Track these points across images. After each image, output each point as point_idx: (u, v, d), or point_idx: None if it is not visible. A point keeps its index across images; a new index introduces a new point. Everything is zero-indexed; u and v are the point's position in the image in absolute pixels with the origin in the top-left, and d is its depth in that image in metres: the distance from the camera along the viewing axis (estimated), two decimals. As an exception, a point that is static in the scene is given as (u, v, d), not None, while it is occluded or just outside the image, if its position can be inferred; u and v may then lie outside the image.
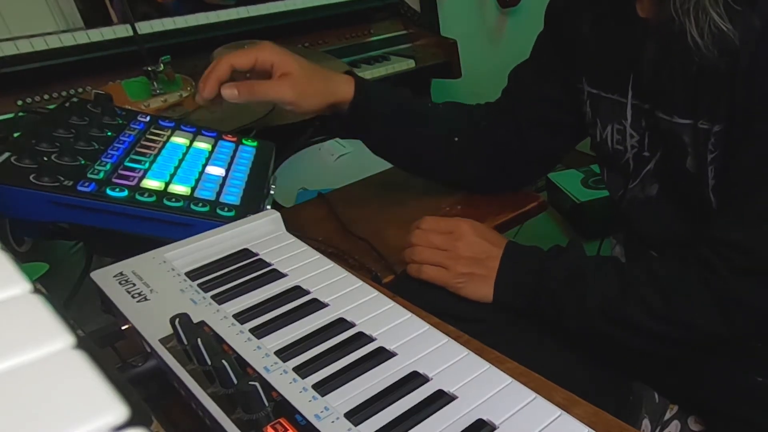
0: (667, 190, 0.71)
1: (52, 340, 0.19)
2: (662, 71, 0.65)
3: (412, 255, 0.72)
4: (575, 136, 0.89)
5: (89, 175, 0.61)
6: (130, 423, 0.17)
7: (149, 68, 0.97)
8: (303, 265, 0.53)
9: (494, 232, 0.74)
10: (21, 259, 0.62)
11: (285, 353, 0.42)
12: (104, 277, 0.50)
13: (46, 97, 1.20)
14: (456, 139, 0.86)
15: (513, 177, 0.92)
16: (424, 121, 0.85)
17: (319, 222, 0.90)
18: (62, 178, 0.58)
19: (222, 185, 0.67)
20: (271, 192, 0.73)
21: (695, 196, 0.67)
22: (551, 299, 0.66)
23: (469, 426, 0.36)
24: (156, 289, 0.48)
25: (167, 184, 0.64)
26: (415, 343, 0.43)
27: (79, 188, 0.58)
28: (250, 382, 0.36)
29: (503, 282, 0.68)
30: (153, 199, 0.60)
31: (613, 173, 0.79)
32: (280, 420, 0.36)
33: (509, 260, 0.69)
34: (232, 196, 0.66)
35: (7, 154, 0.59)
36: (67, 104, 0.75)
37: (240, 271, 0.52)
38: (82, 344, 0.19)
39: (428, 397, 0.38)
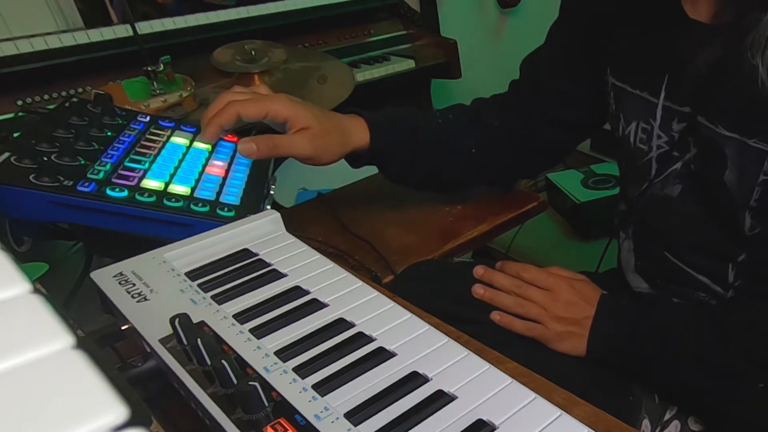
0: (690, 194, 0.68)
1: (51, 340, 0.19)
2: (718, 79, 0.61)
3: (509, 305, 0.72)
4: (591, 130, 0.88)
5: (89, 175, 0.61)
6: (130, 423, 0.17)
7: (149, 68, 0.98)
8: (303, 265, 0.53)
9: (590, 286, 0.73)
10: (21, 259, 0.62)
11: (285, 353, 0.42)
12: (104, 277, 0.50)
13: (46, 97, 1.20)
14: (473, 151, 0.85)
15: (526, 170, 0.93)
16: (440, 144, 0.84)
17: (319, 222, 0.90)
18: (62, 178, 0.58)
19: (222, 185, 0.67)
20: (271, 192, 0.73)
21: (723, 207, 0.65)
22: (644, 361, 0.67)
23: (469, 426, 0.36)
24: (156, 289, 0.48)
25: (167, 184, 0.64)
26: (415, 343, 0.43)
27: (79, 188, 0.58)
28: (250, 382, 0.36)
29: (596, 341, 0.69)
30: (153, 199, 0.60)
31: (631, 169, 0.76)
32: (280, 420, 0.36)
33: (601, 320, 0.69)
34: (232, 196, 0.66)
35: (7, 154, 0.59)
36: (67, 104, 0.75)
37: (240, 271, 0.52)
38: (82, 344, 0.19)
39: (428, 397, 0.38)
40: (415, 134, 0.83)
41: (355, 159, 0.82)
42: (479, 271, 0.75)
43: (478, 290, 0.74)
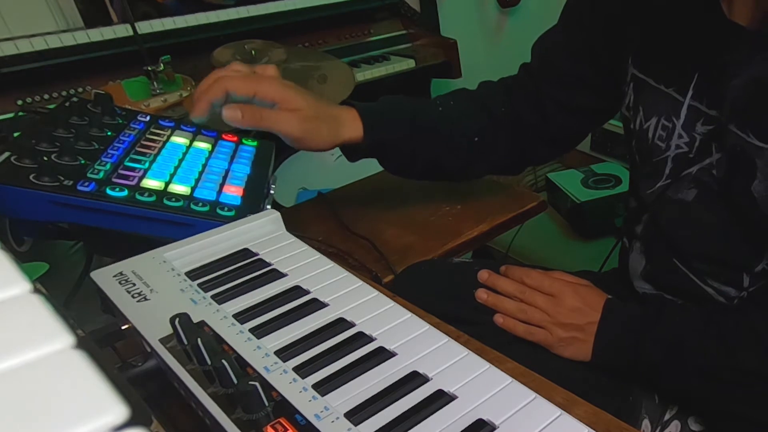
0: (707, 200, 0.66)
1: (52, 340, 0.19)
2: (757, 92, 0.59)
3: (512, 310, 0.72)
4: (603, 117, 0.86)
5: (89, 175, 0.61)
6: (130, 423, 0.17)
7: (149, 68, 0.98)
8: (303, 265, 0.53)
9: (594, 291, 0.72)
10: (21, 259, 0.62)
11: (285, 353, 0.42)
12: (104, 277, 0.50)
13: (46, 97, 1.20)
14: (476, 139, 0.82)
15: (532, 158, 0.90)
16: (440, 133, 0.81)
17: (319, 222, 0.90)
18: (62, 178, 0.58)
19: (222, 185, 0.67)
20: (271, 192, 0.73)
21: (749, 217, 0.62)
22: (650, 367, 0.66)
23: (469, 426, 0.36)
24: (156, 289, 0.48)
25: (167, 184, 0.64)
26: (415, 343, 0.43)
27: (79, 188, 0.58)
28: (250, 382, 0.36)
29: (601, 347, 0.69)
30: (153, 198, 0.60)
31: (645, 165, 0.73)
32: (280, 420, 0.36)
33: (606, 326, 0.69)
34: (232, 196, 0.66)
35: (7, 154, 0.59)
36: (67, 104, 0.75)
37: (240, 270, 0.52)
38: (82, 344, 0.19)
39: (428, 397, 0.38)
40: (413, 125, 0.80)
41: (351, 152, 0.81)
42: (483, 275, 0.75)
43: (482, 295, 0.73)
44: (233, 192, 0.66)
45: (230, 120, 0.67)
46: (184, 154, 0.72)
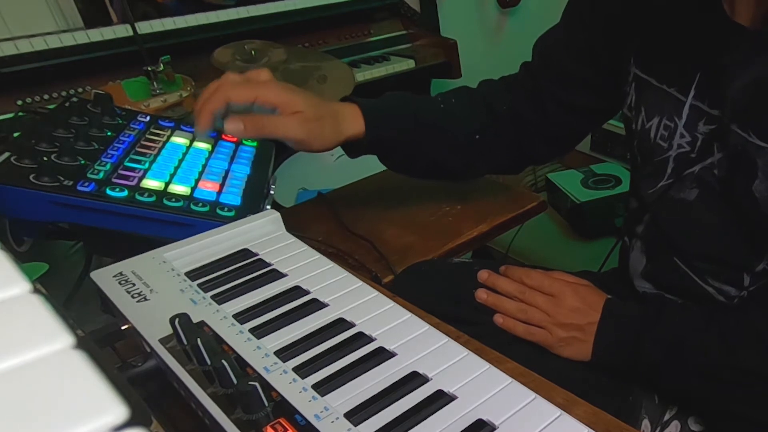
0: (709, 200, 0.66)
1: (51, 340, 0.19)
2: (759, 93, 0.59)
3: (512, 310, 0.72)
4: (604, 117, 0.86)
5: (89, 175, 0.61)
6: (129, 423, 0.17)
7: (149, 68, 0.98)
8: (303, 265, 0.53)
9: (594, 291, 0.72)
10: (21, 259, 0.62)
11: (285, 353, 0.42)
12: (104, 277, 0.50)
13: (46, 97, 1.20)
14: (478, 137, 0.82)
15: (533, 157, 0.90)
16: (442, 130, 0.82)
17: (319, 222, 0.90)
18: (62, 178, 0.58)
19: (222, 185, 0.67)
20: (271, 192, 0.73)
21: (750, 217, 0.62)
22: (650, 367, 0.66)
23: (469, 426, 0.36)
24: (156, 289, 0.48)
25: (167, 184, 0.64)
26: (415, 343, 0.44)
27: (79, 188, 0.58)
28: (250, 382, 0.36)
29: (601, 347, 0.68)
30: (153, 199, 0.60)
31: (646, 165, 0.72)
32: (280, 420, 0.36)
33: (606, 326, 0.68)
34: (232, 196, 0.66)
35: (7, 154, 0.59)
36: (67, 104, 0.75)
37: (240, 271, 0.52)
38: (81, 344, 0.19)
39: (428, 397, 0.38)
40: (414, 121, 0.80)
41: (352, 149, 0.81)
42: (483, 275, 0.75)
43: (482, 295, 0.73)
44: (233, 192, 0.66)
45: (233, 132, 0.68)
46: (184, 154, 0.72)
